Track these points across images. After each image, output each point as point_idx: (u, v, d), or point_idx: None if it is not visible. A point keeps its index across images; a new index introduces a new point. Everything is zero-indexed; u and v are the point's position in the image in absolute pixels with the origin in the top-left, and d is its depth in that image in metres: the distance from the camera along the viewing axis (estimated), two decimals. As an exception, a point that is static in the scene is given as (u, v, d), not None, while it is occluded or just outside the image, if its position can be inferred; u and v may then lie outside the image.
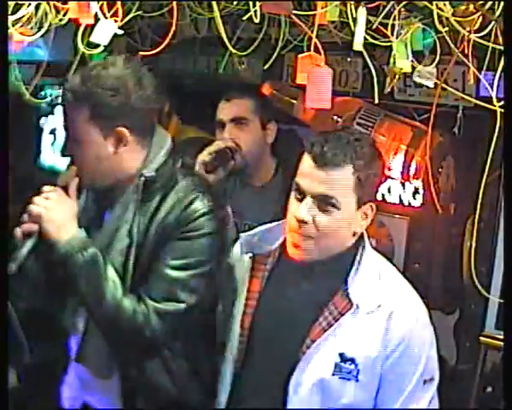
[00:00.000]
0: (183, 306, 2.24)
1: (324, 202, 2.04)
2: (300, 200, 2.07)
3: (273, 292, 2.16)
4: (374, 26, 2.32)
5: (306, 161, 2.07)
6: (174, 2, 2.73)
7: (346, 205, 2.05)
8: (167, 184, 2.33)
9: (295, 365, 2.08)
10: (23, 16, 2.85)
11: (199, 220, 2.26)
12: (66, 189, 2.36)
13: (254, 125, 3.09)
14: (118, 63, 2.33)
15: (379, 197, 3.60)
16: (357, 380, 2.05)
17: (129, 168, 2.34)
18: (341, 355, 2.06)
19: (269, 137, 3.12)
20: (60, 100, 2.39)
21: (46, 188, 2.35)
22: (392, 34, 2.35)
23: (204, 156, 3.01)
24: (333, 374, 2.06)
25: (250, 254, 2.21)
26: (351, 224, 2.08)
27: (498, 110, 2.34)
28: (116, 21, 2.63)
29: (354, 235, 2.12)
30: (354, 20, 2.32)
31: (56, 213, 2.30)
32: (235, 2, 2.80)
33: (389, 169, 3.53)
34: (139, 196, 2.32)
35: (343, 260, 2.12)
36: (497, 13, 2.11)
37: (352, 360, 2.05)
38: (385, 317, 2.06)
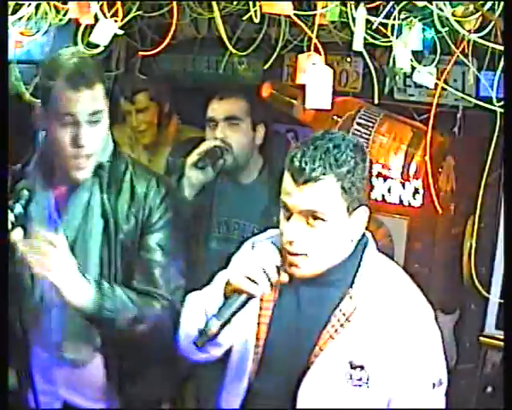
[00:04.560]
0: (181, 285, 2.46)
1: (312, 217, 1.98)
2: (288, 218, 2.02)
3: (286, 302, 2.13)
4: (374, 26, 2.32)
5: (287, 179, 2.01)
6: (174, 2, 2.73)
7: (334, 215, 1.99)
8: (120, 169, 2.48)
9: (304, 374, 2.06)
10: (23, 16, 2.86)
11: (163, 203, 2.47)
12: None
13: (246, 125, 3.10)
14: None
15: (379, 197, 3.61)
16: (368, 386, 2.03)
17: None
18: (350, 363, 2.03)
19: (258, 137, 3.15)
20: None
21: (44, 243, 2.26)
22: (392, 34, 2.35)
23: (194, 157, 3.03)
24: (343, 382, 2.03)
25: None
26: (344, 232, 2.03)
27: (498, 110, 2.34)
28: (116, 21, 2.63)
29: (352, 241, 2.08)
30: (354, 20, 2.32)
31: (63, 275, 2.28)
32: (235, 3, 2.80)
33: (389, 169, 3.53)
34: (105, 179, 2.43)
35: (349, 265, 2.09)
36: (497, 13, 2.11)
37: (362, 367, 2.03)
38: (391, 319, 2.03)
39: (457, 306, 3.57)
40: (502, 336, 3.12)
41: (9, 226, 2.22)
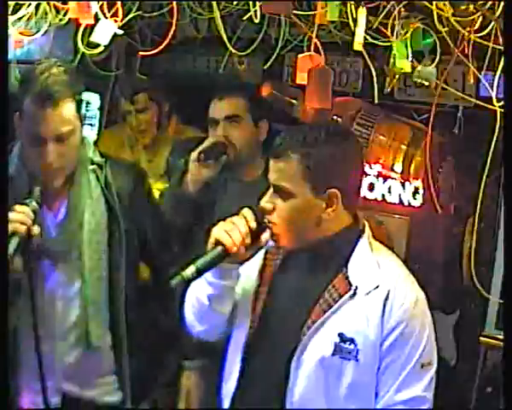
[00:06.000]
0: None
1: (279, 191, 2.11)
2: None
3: (283, 279, 2.20)
4: (374, 26, 2.33)
5: None
6: (174, 2, 2.73)
7: (299, 193, 2.09)
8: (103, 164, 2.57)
9: (297, 345, 2.11)
10: (23, 16, 2.86)
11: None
12: None
13: (247, 123, 3.11)
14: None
15: (379, 197, 3.62)
16: (356, 360, 2.07)
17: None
18: (341, 335, 2.08)
19: (261, 134, 3.15)
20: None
21: None
22: (392, 34, 2.36)
23: (197, 152, 3.04)
24: (333, 354, 2.08)
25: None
26: (311, 211, 2.11)
27: (498, 110, 2.35)
28: (116, 21, 2.63)
29: (323, 221, 2.12)
30: (354, 20, 2.32)
31: None
32: (235, 3, 2.81)
33: (389, 169, 3.54)
34: (103, 177, 2.51)
35: (343, 245, 2.15)
36: (497, 13, 2.11)
37: (352, 340, 2.08)
38: (383, 298, 2.08)
39: (457, 306, 3.58)
40: (502, 336, 3.12)
41: (29, 222, 2.26)
